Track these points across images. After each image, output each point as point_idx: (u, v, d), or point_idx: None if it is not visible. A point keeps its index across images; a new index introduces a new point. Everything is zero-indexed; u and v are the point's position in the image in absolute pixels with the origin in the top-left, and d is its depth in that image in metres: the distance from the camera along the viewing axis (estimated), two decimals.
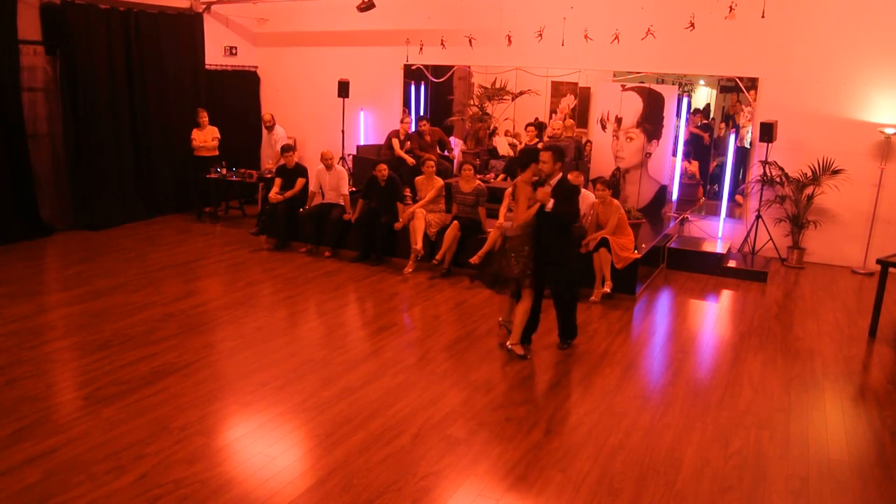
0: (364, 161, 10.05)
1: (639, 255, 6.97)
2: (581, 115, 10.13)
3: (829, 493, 3.82)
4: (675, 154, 9.40)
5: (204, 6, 10.70)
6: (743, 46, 8.60)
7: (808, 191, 8.43)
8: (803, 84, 8.43)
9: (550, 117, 10.11)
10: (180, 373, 4.98)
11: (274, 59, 11.77)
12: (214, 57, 11.01)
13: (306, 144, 11.56)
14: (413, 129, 10.17)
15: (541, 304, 5.55)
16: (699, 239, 8.95)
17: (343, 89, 10.63)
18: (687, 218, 9.27)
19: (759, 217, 8.58)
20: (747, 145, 9.12)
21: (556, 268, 5.39)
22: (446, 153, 10.20)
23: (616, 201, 7.14)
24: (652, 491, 3.74)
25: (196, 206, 10.12)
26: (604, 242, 6.91)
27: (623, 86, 9.28)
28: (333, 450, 4.02)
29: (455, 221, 7.63)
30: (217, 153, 10.03)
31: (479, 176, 8.59)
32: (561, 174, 5.30)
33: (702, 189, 9.68)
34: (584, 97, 10.07)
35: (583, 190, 7.29)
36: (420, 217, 7.72)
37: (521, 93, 10.18)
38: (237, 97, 11.45)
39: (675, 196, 9.50)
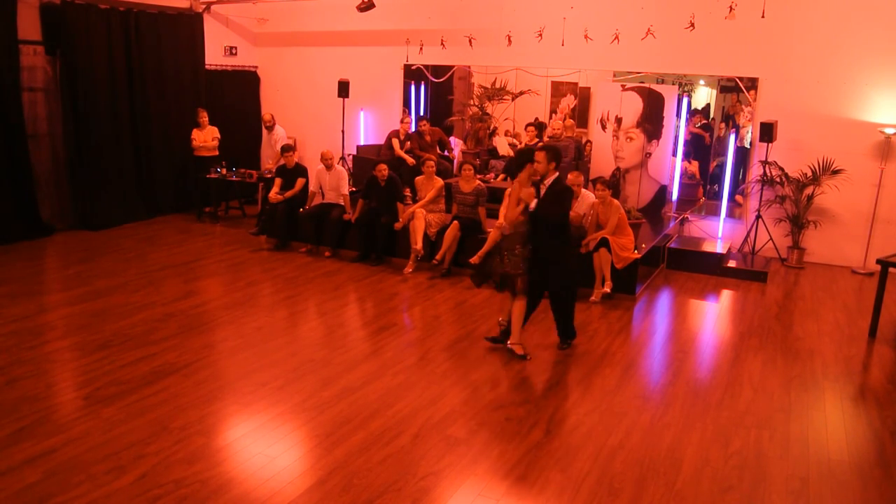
0: (364, 161, 10.05)
1: (639, 255, 6.97)
2: (581, 115, 10.13)
3: (829, 493, 3.82)
4: (675, 154, 9.40)
5: (204, 6, 10.70)
6: (743, 46, 8.60)
7: (808, 191, 8.43)
8: (803, 84, 8.43)
9: (550, 117, 10.10)
10: (180, 373, 4.98)
11: (274, 59, 11.77)
12: (214, 57, 11.01)
13: (306, 144, 11.56)
14: (413, 129, 10.17)
15: (537, 301, 5.56)
16: (699, 239, 8.95)
17: (343, 89, 10.63)
18: (687, 218, 9.27)
19: (759, 217, 8.58)
20: (747, 145, 9.11)
21: (550, 267, 5.39)
22: (446, 153, 10.20)
23: (616, 201, 7.14)
24: (652, 491, 3.74)
25: (196, 206, 10.12)
26: (604, 242, 6.90)
27: (623, 86, 9.28)
28: (333, 450, 4.02)
29: (455, 221, 7.63)
30: (217, 153, 10.04)
31: (479, 176, 8.59)
32: (557, 174, 5.28)
33: (702, 189, 9.67)
34: (584, 97, 10.07)
35: (583, 190, 7.29)
36: (420, 217, 7.72)
37: (521, 93, 10.18)
38: (237, 97, 11.46)
39: (675, 196, 9.49)
